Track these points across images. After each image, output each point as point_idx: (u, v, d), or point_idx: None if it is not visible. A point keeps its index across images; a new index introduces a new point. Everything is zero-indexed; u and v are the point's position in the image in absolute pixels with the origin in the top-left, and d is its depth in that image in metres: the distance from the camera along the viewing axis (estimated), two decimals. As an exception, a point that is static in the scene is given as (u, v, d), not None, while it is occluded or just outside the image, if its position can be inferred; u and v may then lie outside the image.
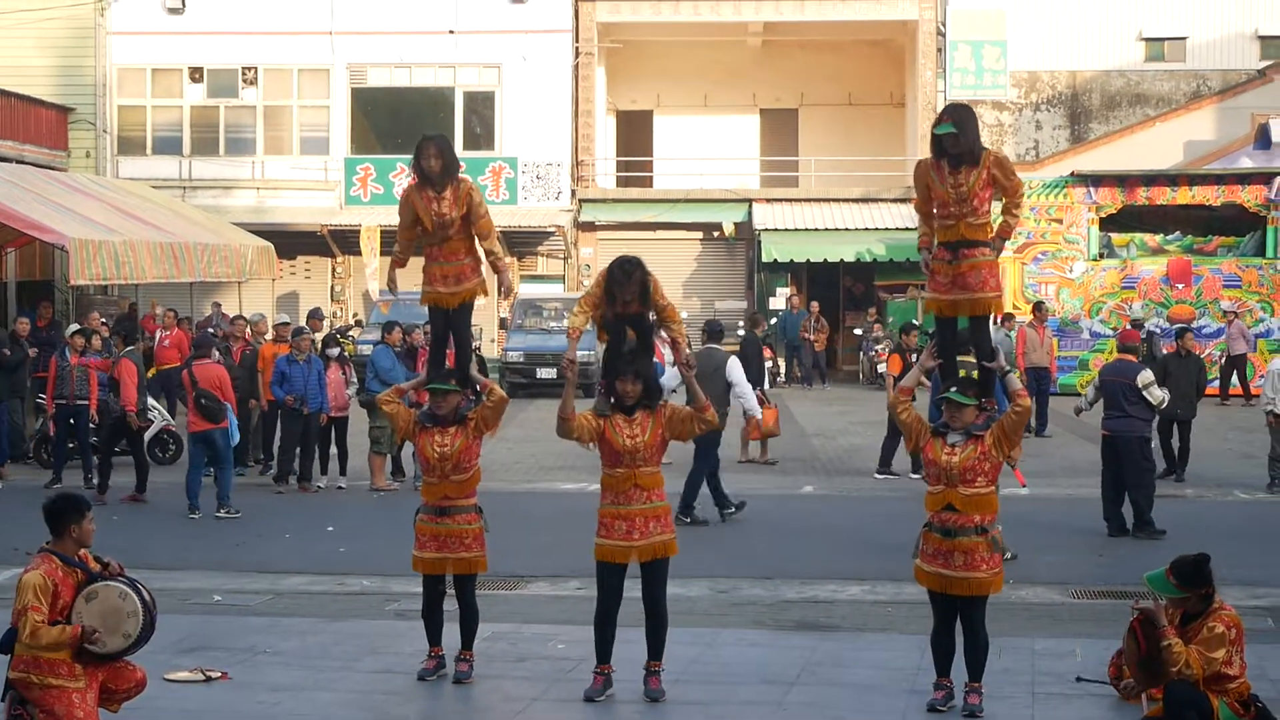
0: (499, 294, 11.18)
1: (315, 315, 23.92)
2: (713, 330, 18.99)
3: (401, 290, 11.97)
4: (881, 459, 20.87)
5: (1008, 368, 10.45)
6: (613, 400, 10.30)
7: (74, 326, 22.63)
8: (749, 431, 21.97)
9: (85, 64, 39.45)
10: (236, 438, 19.36)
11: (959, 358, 10.82)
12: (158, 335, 26.74)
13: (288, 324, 21.54)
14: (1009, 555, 15.19)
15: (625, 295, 10.37)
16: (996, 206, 10.21)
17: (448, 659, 10.88)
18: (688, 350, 10.66)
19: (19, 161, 33.08)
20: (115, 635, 8.55)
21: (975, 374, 10.57)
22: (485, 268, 11.37)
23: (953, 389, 9.88)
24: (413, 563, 10.86)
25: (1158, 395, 16.88)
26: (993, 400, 10.25)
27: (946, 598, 9.88)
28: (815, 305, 37.20)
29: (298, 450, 20.01)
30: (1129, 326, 24.34)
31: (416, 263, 11.14)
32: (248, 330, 22.59)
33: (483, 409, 10.74)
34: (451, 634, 10.93)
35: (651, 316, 10.57)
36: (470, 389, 10.95)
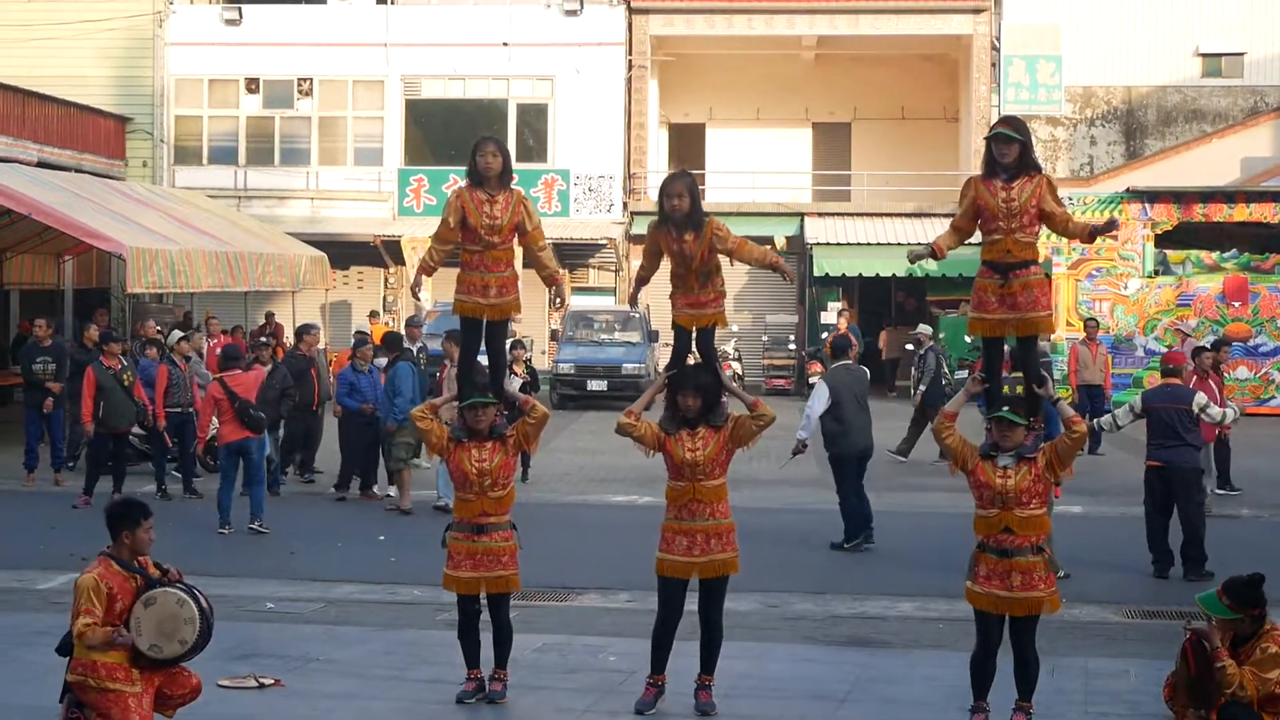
0: (552, 306, 10.71)
1: (413, 323, 23.87)
2: (840, 346, 18.12)
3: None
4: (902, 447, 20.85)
5: (1057, 395, 10.36)
6: (677, 416, 10.21)
7: (177, 334, 22.85)
8: None
9: (143, 74, 39.76)
10: (268, 449, 19.26)
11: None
12: (205, 344, 26.89)
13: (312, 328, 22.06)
14: (1062, 574, 15.14)
15: (673, 193, 10.21)
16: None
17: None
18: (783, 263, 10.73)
19: (77, 170, 33.38)
20: (172, 641, 8.62)
21: (1020, 390, 10.41)
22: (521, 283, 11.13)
23: (1004, 408, 9.76)
24: (445, 581, 10.58)
25: (1217, 414, 16.11)
26: (1040, 418, 10.13)
27: (997, 620, 9.73)
28: (843, 320, 35.71)
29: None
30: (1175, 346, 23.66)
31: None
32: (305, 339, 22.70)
33: (524, 424, 10.49)
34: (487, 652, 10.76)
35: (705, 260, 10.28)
36: (505, 404, 10.76)
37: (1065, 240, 32.47)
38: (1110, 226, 10.67)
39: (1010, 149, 9.82)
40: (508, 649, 10.71)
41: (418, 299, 11.70)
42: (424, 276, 11.25)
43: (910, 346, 37.84)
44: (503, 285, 10.68)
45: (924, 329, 26.88)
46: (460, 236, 10.64)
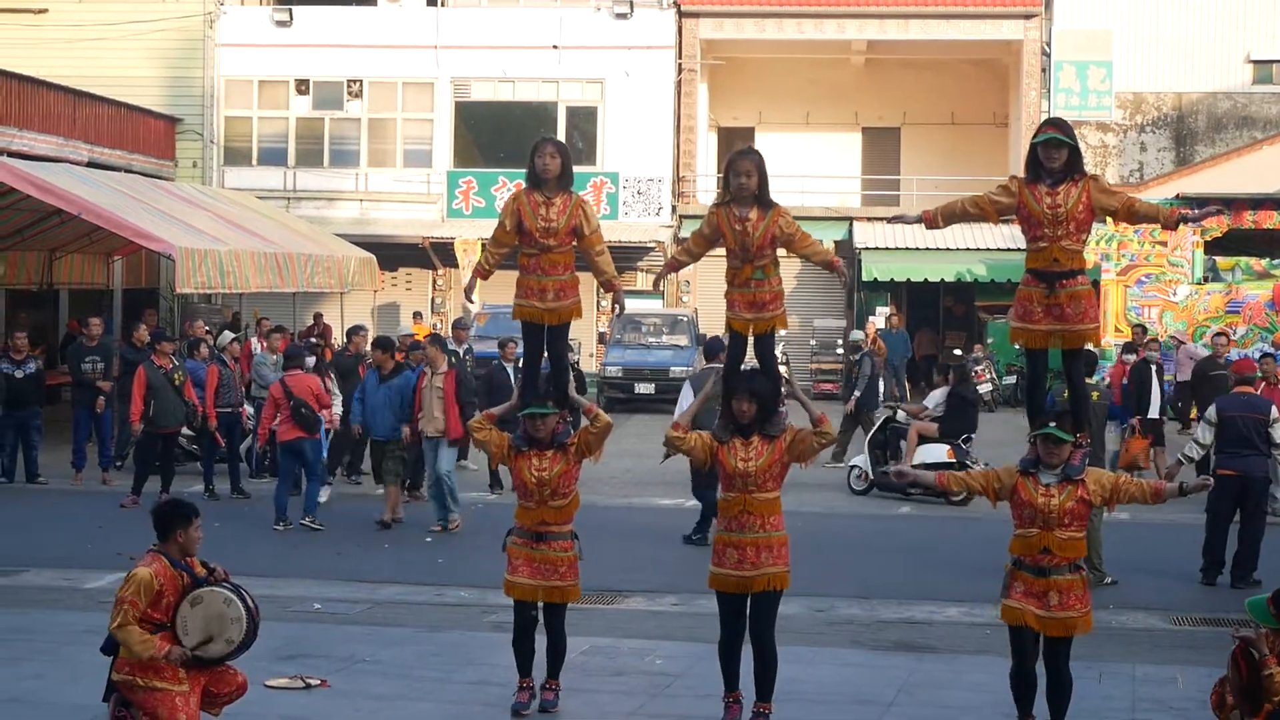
0: (613, 309, 10.42)
1: (460, 325, 23.86)
2: (711, 349, 18.08)
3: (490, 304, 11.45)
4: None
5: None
6: (730, 423, 9.83)
7: (228, 335, 22.97)
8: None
9: (193, 75, 39.95)
10: (324, 449, 19.47)
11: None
12: (258, 344, 27.00)
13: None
14: (1109, 580, 15.09)
15: (741, 170, 9.86)
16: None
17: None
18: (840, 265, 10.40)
19: (127, 170, 33.54)
20: (219, 640, 8.65)
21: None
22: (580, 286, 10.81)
23: (1050, 424, 9.34)
24: (505, 587, 10.38)
25: None
26: (1086, 434, 9.70)
27: (1033, 636, 9.45)
28: (871, 326, 35.39)
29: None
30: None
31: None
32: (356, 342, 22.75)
33: (586, 433, 10.24)
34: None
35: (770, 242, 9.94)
36: (568, 411, 10.47)
37: (1115, 246, 32.39)
38: (1205, 215, 10.30)
39: (1060, 154, 9.50)
40: (561, 659, 10.49)
41: (470, 301, 11.39)
42: (478, 279, 11.07)
43: (959, 352, 38.00)
44: (561, 289, 10.43)
45: (858, 335, 27.65)
46: (516, 240, 10.43)
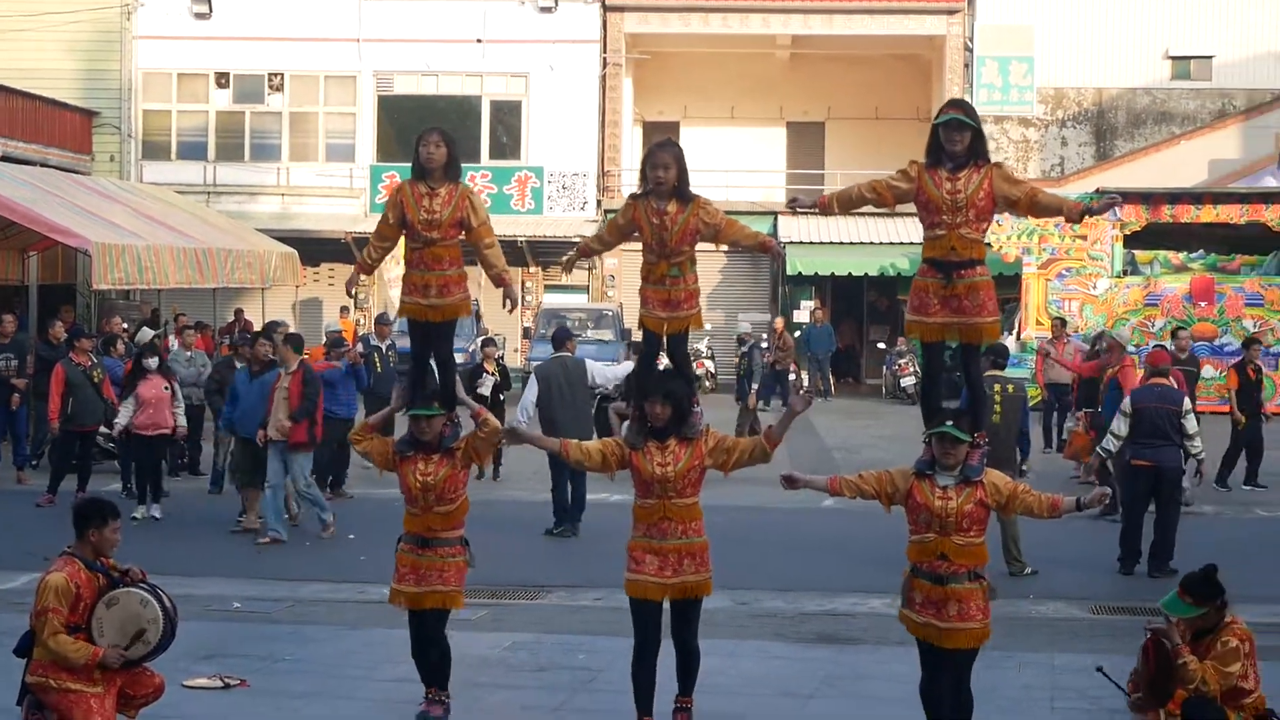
0: (504, 305, 9.93)
1: (383, 320, 23.62)
2: (559, 338, 18.01)
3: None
4: None
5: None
6: (646, 425, 9.34)
7: (148, 331, 22.71)
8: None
9: (111, 68, 39.56)
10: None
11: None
12: (173, 341, 26.72)
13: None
14: (1029, 570, 15.19)
15: (659, 163, 9.52)
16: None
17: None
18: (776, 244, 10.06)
19: (43, 165, 33.21)
20: (135, 642, 8.56)
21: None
22: (471, 282, 10.35)
23: (947, 422, 8.77)
24: (390, 595, 9.97)
25: (1195, 425, 15.72)
26: (984, 434, 9.10)
27: (937, 649, 8.91)
28: (779, 321, 35.24)
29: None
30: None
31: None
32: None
33: (474, 438, 9.78)
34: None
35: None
36: (454, 412, 9.95)
37: (1036, 240, 32.63)
38: (1108, 206, 9.74)
39: (962, 136, 8.97)
40: (447, 669, 10.00)
41: (350, 296, 10.75)
42: (360, 274, 10.50)
43: (882, 345, 38.24)
44: (445, 285, 9.90)
45: (744, 327, 28.06)
46: (400, 233, 9.99)
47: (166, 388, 18.60)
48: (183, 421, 19.09)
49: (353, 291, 10.76)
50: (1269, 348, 31.49)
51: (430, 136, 9.90)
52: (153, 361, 18.77)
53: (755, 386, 24.94)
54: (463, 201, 9.87)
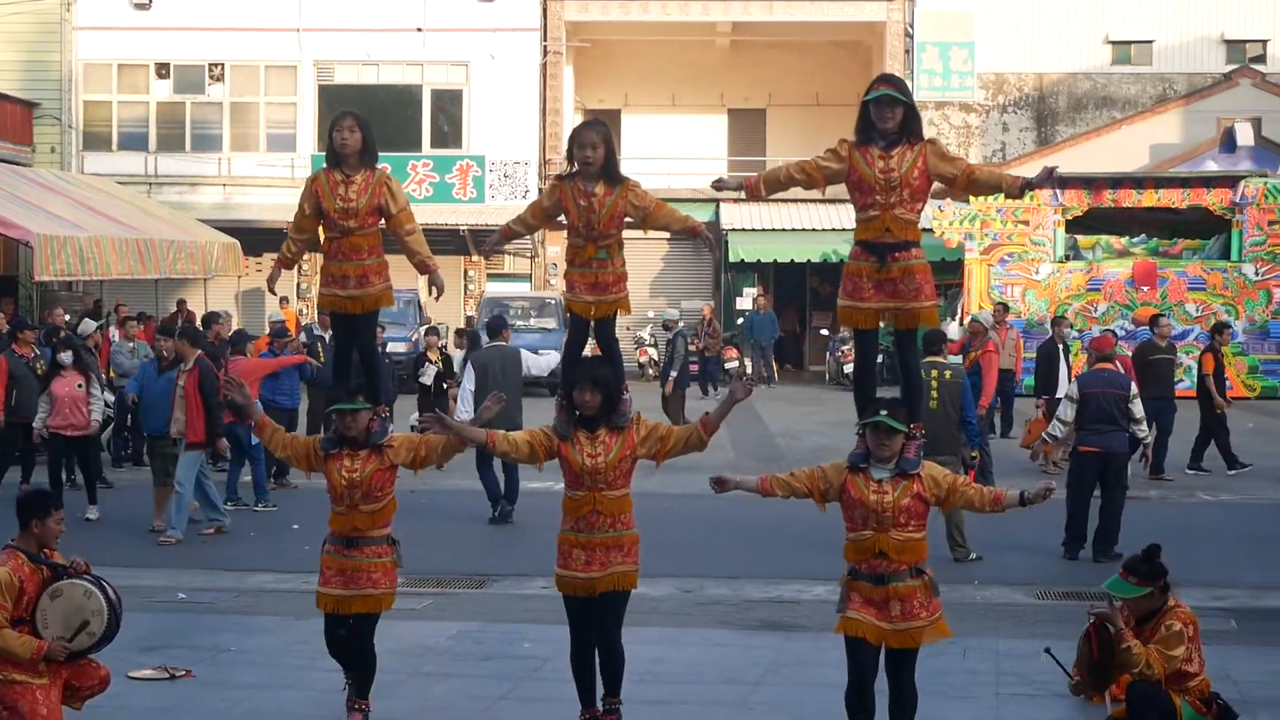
0: (431, 294, 9.59)
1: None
2: (494, 327, 17.95)
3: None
4: None
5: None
6: (575, 414, 9.02)
7: (90, 323, 22.59)
8: None
9: (51, 59, 39.28)
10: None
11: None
12: (115, 333, 26.56)
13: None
14: (974, 556, 15.27)
15: (586, 142, 9.10)
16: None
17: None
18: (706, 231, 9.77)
19: (-17, 156, 32.95)
20: (80, 634, 8.52)
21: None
22: (406, 273, 10.18)
23: (882, 412, 8.35)
24: (316, 599, 9.54)
25: (1141, 410, 15.82)
26: (921, 425, 8.67)
27: (873, 651, 8.47)
28: (707, 308, 35.82)
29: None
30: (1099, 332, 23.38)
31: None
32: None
33: (429, 442, 9.35)
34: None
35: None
36: (381, 407, 9.44)
37: (979, 225, 32.78)
38: (1046, 177, 9.00)
39: (894, 113, 8.59)
40: (370, 676, 9.58)
41: (273, 293, 10.31)
42: (281, 269, 10.06)
43: (825, 331, 38.36)
44: (363, 275, 9.55)
45: (671, 313, 28.17)
46: (318, 224, 9.62)
47: (80, 385, 17.78)
48: (98, 418, 18.19)
49: (274, 289, 10.42)
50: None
51: (344, 122, 9.57)
52: (66, 356, 17.88)
53: (674, 374, 24.89)
54: (380, 188, 9.54)
